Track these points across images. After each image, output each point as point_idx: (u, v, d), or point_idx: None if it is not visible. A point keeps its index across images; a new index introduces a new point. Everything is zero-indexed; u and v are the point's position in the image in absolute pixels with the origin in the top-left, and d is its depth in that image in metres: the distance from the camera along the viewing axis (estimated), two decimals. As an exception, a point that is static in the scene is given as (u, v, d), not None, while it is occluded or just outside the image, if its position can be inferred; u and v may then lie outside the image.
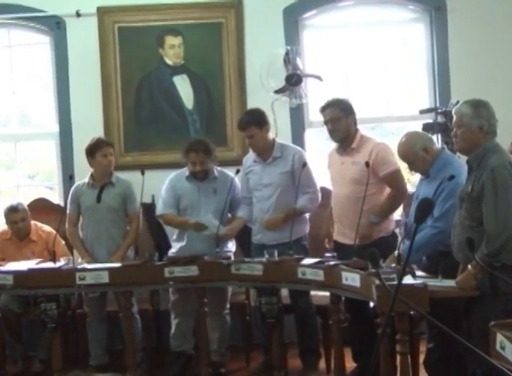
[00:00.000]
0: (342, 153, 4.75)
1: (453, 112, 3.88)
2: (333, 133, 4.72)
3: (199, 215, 4.99)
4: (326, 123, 4.72)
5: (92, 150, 5.17)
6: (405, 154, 4.26)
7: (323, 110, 4.71)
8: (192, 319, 4.97)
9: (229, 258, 4.88)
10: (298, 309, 4.94)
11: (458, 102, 4.24)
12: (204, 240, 4.90)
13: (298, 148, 5.10)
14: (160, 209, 5.13)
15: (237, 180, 5.12)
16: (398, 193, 4.66)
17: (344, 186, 4.69)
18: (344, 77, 6.11)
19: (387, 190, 4.70)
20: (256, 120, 4.92)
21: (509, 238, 3.50)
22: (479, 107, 3.70)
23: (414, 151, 4.19)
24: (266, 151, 4.97)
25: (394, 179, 4.65)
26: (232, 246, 5.12)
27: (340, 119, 4.66)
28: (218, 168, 5.14)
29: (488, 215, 3.55)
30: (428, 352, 4.31)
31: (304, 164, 4.82)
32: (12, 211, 5.35)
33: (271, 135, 5.03)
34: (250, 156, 5.11)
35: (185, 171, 5.10)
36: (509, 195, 3.53)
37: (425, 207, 2.20)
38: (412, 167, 4.30)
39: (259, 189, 4.98)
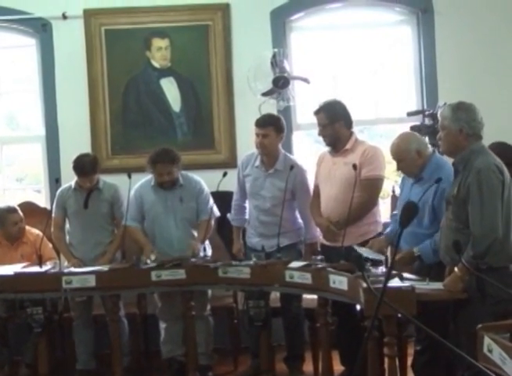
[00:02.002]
0: (335, 154, 4.76)
1: (438, 115, 3.89)
2: (322, 137, 4.77)
3: (167, 225, 5.01)
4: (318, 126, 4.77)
5: (75, 173, 5.12)
6: (398, 151, 4.25)
7: (315, 114, 4.75)
8: (180, 323, 4.93)
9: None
10: (289, 312, 4.93)
11: (445, 104, 4.24)
12: (176, 250, 4.95)
13: (301, 166, 5.00)
14: (127, 220, 5.04)
15: (204, 184, 5.10)
16: (369, 201, 4.61)
17: (333, 186, 4.68)
18: (332, 79, 6.11)
19: None
20: (277, 123, 4.94)
21: (495, 240, 3.50)
22: (458, 110, 3.70)
23: (407, 150, 4.19)
24: (271, 158, 4.95)
25: (373, 185, 4.61)
26: (208, 250, 5.06)
27: (326, 126, 4.69)
28: (183, 173, 5.09)
29: (474, 217, 3.55)
30: (416, 354, 4.30)
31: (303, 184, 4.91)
32: (12, 212, 5.34)
33: (280, 147, 5.02)
34: (250, 159, 5.06)
35: (151, 180, 5.06)
36: (494, 197, 3.53)
37: (410, 211, 2.19)
38: (401, 166, 4.27)
39: (257, 198, 4.98)
